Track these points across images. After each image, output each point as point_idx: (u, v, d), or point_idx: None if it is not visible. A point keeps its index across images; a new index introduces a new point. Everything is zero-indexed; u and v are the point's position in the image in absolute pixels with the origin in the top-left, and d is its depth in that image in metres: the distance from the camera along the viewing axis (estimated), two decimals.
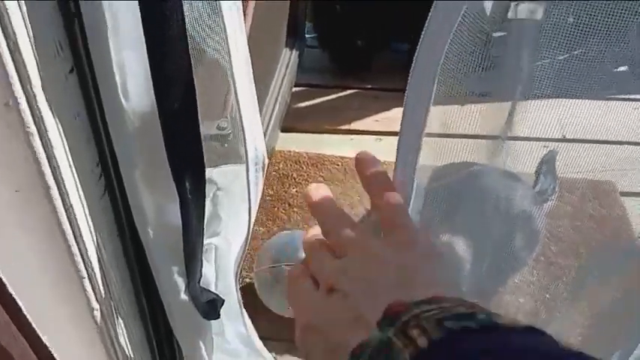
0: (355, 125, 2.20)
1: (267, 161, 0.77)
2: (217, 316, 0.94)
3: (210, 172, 0.72)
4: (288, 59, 1.99)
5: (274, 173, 1.99)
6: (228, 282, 0.96)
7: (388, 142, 2.13)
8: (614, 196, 1.99)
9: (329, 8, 2.19)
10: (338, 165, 2.04)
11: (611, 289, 1.35)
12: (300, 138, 2.12)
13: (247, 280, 1.66)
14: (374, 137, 2.16)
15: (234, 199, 0.83)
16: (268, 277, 1.49)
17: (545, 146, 2.22)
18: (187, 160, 0.67)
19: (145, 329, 0.93)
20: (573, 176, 2.04)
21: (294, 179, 1.98)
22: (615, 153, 2.21)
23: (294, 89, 2.23)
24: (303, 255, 1.46)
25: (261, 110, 1.88)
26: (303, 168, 2.02)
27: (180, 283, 0.82)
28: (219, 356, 1.04)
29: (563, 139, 2.31)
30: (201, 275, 0.88)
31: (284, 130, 2.13)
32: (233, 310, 1.04)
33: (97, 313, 0.71)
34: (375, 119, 2.22)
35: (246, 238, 0.90)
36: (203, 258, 0.90)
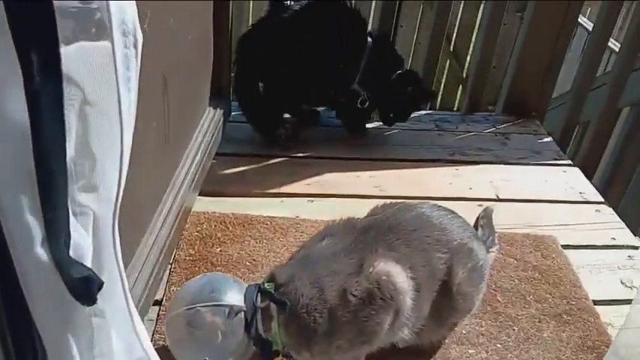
0: (285, 189, 2.09)
1: (140, 37, 0.64)
2: (93, 301, 0.74)
3: (66, 53, 0.58)
4: (211, 117, 1.91)
5: (196, 234, 1.82)
6: (107, 257, 0.77)
7: (321, 204, 2.02)
8: (554, 248, 1.92)
9: (252, 87, 2.18)
10: (267, 224, 1.89)
11: None
12: (226, 201, 1.98)
13: (161, 342, 1.43)
14: (306, 199, 2.05)
15: (109, 123, 0.68)
16: (182, 321, 1.28)
17: (479, 205, 2.17)
18: (35, 22, 0.53)
19: None
20: (513, 231, 1.97)
21: (219, 238, 1.81)
22: (554, 210, 2.15)
23: (219, 158, 2.14)
24: (222, 297, 1.27)
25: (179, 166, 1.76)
26: (229, 228, 1.86)
27: (34, 225, 0.64)
28: None
29: (497, 199, 2.25)
30: (69, 236, 0.70)
31: (209, 194, 1.99)
32: (118, 309, 0.84)
33: None
34: (307, 183, 2.12)
35: (118, 184, 0.73)
36: (75, 220, 0.73)
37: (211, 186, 2.01)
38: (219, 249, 1.77)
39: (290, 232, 1.85)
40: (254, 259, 1.74)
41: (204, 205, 1.94)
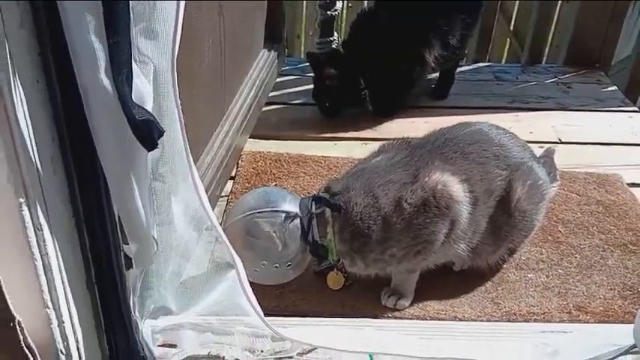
0: (339, 134, 2.09)
1: None
2: (154, 145, 0.77)
3: None
4: (266, 58, 1.93)
5: (252, 170, 1.84)
6: (169, 106, 0.80)
7: (375, 146, 2.01)
8: (620, 185, 1.84)
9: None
10: (321, 163, 1.90)
11: None
12: (280, 143, 2.01)
13: None
14: (360, 142, 2.04)
15: None
16: (240, 228, 1.29)
17: (540, 147, 2.11)
18: None
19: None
20: (576, 170, 1.91)
21: (274, 174, 1.84)
22: (619, 151, 2.07)
23: (272, 107, 2.17)
24: (278, 205, 1.28)
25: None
26: (283, 165, 1.88)
27: (98, 48, 0.66)
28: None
29: (560, 142, 2.19)
30: (130, 73, 0.73)
31: (264, 137, 2.02)
32: (178, 173, 0.87)
33: None
34: (361, 128, 2.12)
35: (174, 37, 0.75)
36: (136, 66, 0.76)
37: (265, 130, 2.04)
38: (274, 183, 1.80)
39: (344, 169, 1.85)
40: (308, 193, 1.75)
41: (259, 145, 1.97)
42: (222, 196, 1.72)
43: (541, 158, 1.67)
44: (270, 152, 1.93)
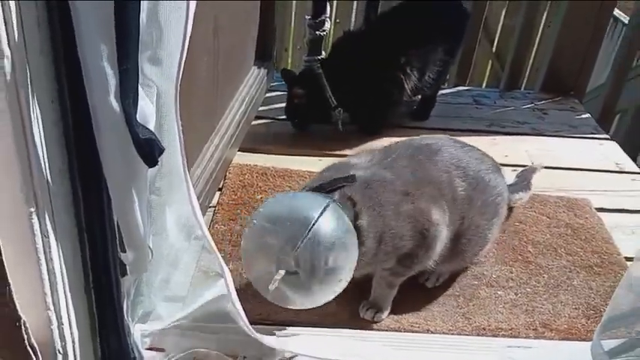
0: (324, 150, 2.17)
1: None
2: (155, 162, 0.84)
3: None
4: (256, 75, 2.01)
5: (239, 182, 1.91)
6: (173, 136, 0.86)
7: None
8: (588, 209, 1.94)
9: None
10: (306, 177, 1.97)
11: None
12: (266, 157, 2.08)
13: None
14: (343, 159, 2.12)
15: None
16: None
17: (513, 170, 2.21)
18: None
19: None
20: (547, 194, 2.01)
21: (260, 187, 1.91)
22: (589, 177, 2.16)
23: (260, 121, 2.24)
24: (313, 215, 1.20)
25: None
26: (269, 179, 1.95)
27: (110, 74, 0.73)
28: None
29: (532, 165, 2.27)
30: (137, 96, 0.80)
31: (251, 151, 2.09)
32: (174, 188, 0.93)
33: None
34: (345, 146, 2.19)
35: (179, 63, 0.82)
36: (141, 89, 0.82)
37: (252, 144, 2.11)
38: (260, 196, 1.86)
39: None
40: None
41: (246, 158, 2.03)
42: (210, 207, 1.78)
43: (522, 171, 1.76)
44: (257, 165, 2.00)
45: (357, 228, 1.25)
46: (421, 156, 1.45)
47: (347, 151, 2.15)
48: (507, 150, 2.25)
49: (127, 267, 0.95)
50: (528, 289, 1.59)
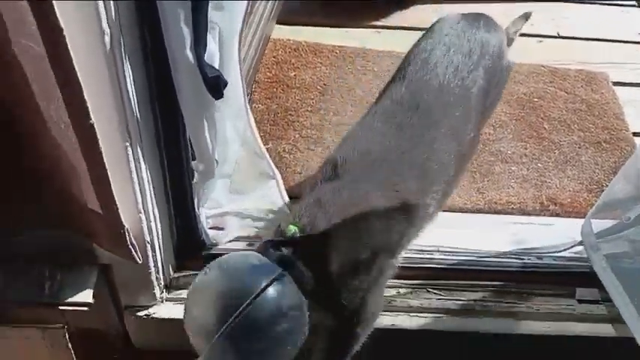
0: (353, 23, 2.22)
1: None
2: (221, 95, 0.98)
3: None
4: None
5: (273, 59, 2.02)
6: (232, 65, 0.99)
7: (387, 34, 2.16)
8: (605, 84, 2.04)
9: None
10: (336, 53, 2.07)
11: None
12: (297, 30, 2.15)
13: None
14: (372, 30, 2.19)
15: None
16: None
17: (539, 42, 2.27)
18: None
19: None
20: (568, 67, 2.09)
21: (293, 64, 2.01)
22: (611, 49, 2.22)
23: None
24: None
25: None
26: (302, 55, 2.05)
27: (186, 33, 0.85)
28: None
29: (558, 36, 2.34)
30: (206, 44, 0.92)
31: (283, 22, 2.15)
32: (236, 103, 1.08)
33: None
34: (377, 17, 2.23)
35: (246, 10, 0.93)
36: (208, 34, 0.94)
37: (285, 15, 2.17)
38: (293, 73, 1.98)
39: (357, 60, 2.03)
40: (325, 84, 1.95)
41: (279, 33, 2.11)
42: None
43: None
44: (289, 41, 2.09)
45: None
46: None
47: (375, 23, 2.22)
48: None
49: (197, 174, 1.13)
50: (539, 165, 1.76)
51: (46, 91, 0.77)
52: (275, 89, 1.92)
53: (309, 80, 1.96)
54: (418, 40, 1.42)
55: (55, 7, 0.66)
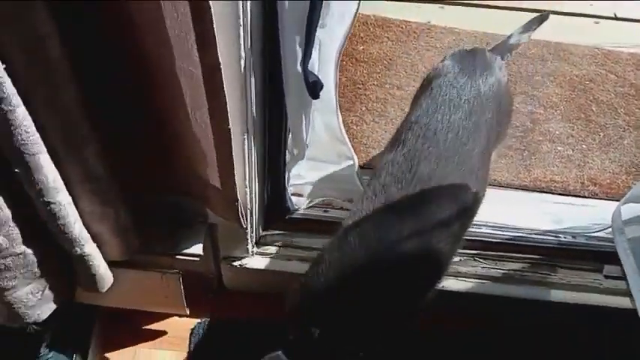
0: None
1: None
2: (317, 96, 1.19)
3: None
4: None
5: None
6: (328, 71, 1.20)
7: (451, 10, 2.29)
8: None
9: None
10: (402, 28, 2.22)
11: None
12: (364, 2, 2.29)
13: None
14: (437, 5, 2.32)
15: None
16: None
17: (595, 22, 2.39)
18: None
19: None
20: (621, 50, 2.22)
21: (361, 38, 2.18)
22: None
23: None
24: None
25: None
26: (370, 29, 2.21)
27: (299, 53, 1.06)
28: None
29: (615, 18, 2.46)
30: (310, 55, 1.12)
31: None
32: (328, 101, 1.29)
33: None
34: None
35: (350, 27, 1.12)
36: None
37: None
38: (362, 47, 2.15)
39: (422, 36, 2.19)
40: (390, 59, 2.12)
41: None
42: None
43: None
44: (359, 13, 2.24)
45: None
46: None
47: None
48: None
49: (289, 155, 1.36)
50: (584, 146, 1.93)
51: (195, 101, 0.99)
52: (345, 62, 2.10)
53: (375, 54, 2.13)
54: (417, 97, 1.39)
55: (217, 46, 0.87)
